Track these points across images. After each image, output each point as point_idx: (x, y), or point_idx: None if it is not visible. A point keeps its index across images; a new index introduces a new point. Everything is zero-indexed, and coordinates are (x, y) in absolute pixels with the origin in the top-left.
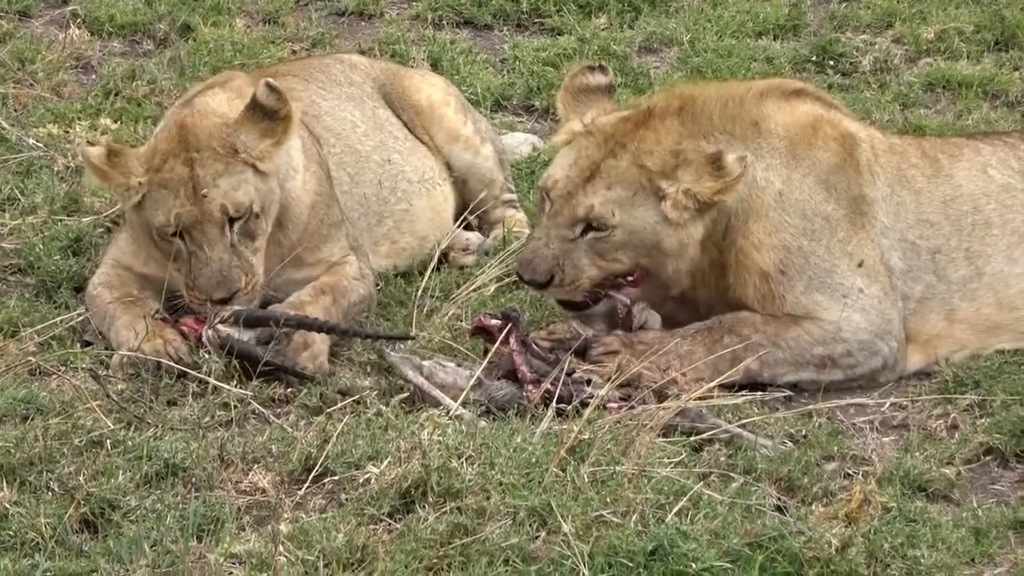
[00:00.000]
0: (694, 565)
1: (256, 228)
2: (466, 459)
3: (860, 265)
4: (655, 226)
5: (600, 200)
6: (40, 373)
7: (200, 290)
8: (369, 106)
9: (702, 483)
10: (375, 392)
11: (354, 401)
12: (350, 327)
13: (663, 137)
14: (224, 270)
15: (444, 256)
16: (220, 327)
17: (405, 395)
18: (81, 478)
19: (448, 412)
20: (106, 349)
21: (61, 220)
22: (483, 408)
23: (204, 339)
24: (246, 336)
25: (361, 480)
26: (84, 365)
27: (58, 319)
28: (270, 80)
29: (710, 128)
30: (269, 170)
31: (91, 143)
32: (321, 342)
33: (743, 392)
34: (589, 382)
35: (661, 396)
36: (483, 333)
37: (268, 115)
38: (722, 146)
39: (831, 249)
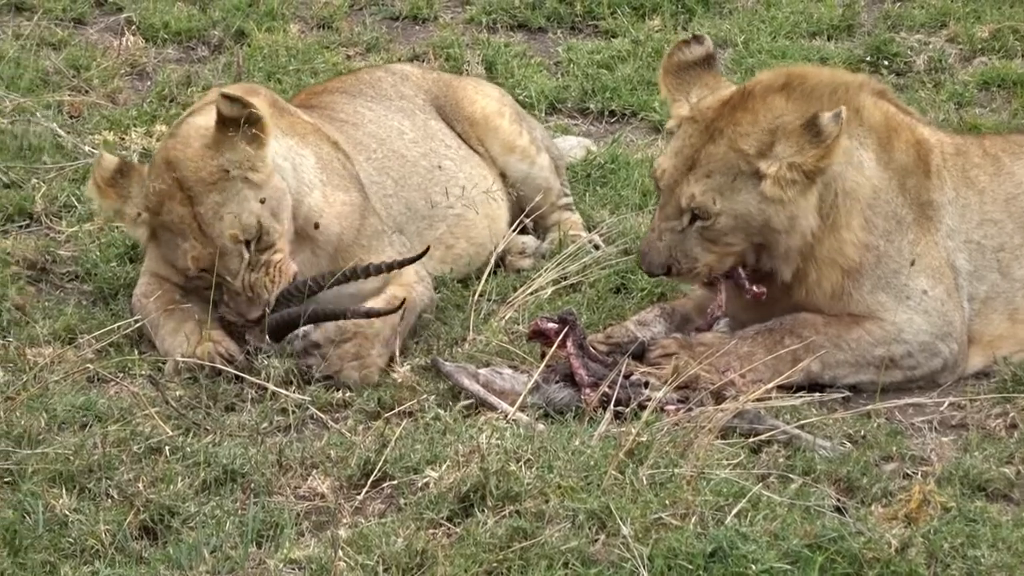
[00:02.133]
0: (754, 567)
1: (272, 235)
2: (524, 462)
3: (916, 265)
4: (759, 207)
5: (700, 189)
6: (98, 380)
7: (231, 315)
8: (420, 118)
9: (761, 484)
10: (433, 397)
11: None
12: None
13: (762, 116)
14: (253, 290)
15: (500, 260)
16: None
17: (468, 402)
18: (140, 485)
19: (506, 416)
20: (165, 355)
21: (117, 227)
22: (541, 412)
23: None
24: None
25: (420, 484)
26: (142, 372)
27: (115, 326)
28: (225, 91)
29: (819, 109)
30: (262, 179)
31: (111, 152)
32: (378, 356)
33: (801, 393)
34: (647, 384)
35: (719, 398)
36: (540, 337)
37: (239, 124)
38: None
39: (901, 251)
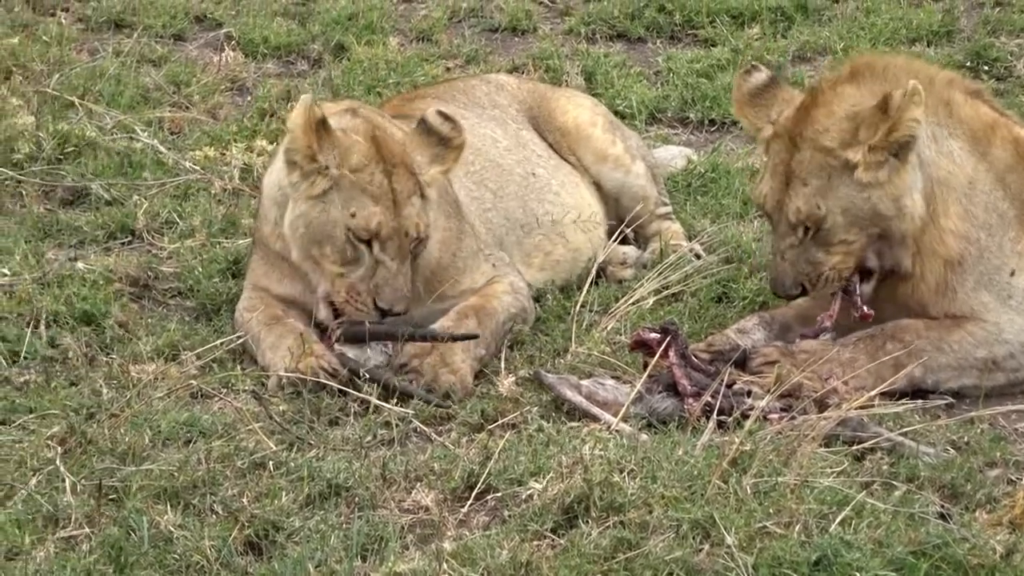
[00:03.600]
0: (858, 574)
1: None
2: (628, 473)
3: (1014, 272)
4: (862, 196)
5: (803, 200)
6: (202, 396)
7: (380, 299)
8: (512, 127)
9: (865, 492)
10: (536, 408)
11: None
12: (424, 330)
13: (836, 108)
14: (407, 286)
15: (602, 270)
16: (346, 351)
17: (571, 413)
18: (244, 500)
19: (609, 427)
20: (264, 369)
21: (219, 243)
22: (644, 422)
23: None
24: (375, 356)
25: (524, 496)
26: (245, 387)
27: (218, 342)
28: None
29: (894, 89)
30: (432, 195)
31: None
32: (462, 361)
33: (904, 400)
34: (749, 393)
35: (822, 406)
36: (642, 347)
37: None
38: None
39: (1003, 247)
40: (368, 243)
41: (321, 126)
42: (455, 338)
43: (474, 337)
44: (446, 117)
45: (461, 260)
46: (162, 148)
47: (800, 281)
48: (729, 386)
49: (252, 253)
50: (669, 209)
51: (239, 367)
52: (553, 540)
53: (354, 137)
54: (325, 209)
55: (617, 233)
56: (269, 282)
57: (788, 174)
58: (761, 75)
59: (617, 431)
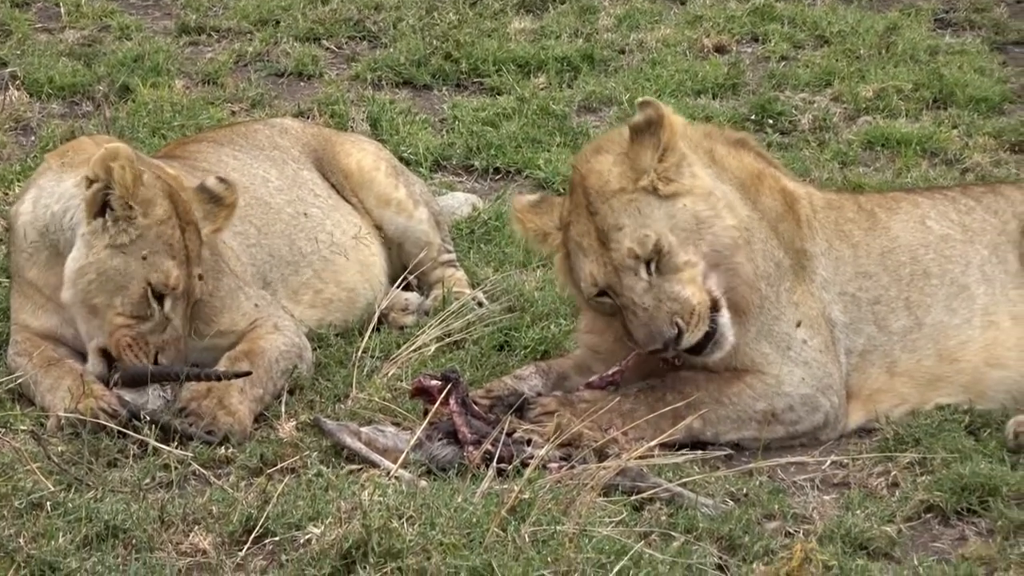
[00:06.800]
0: None
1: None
2: (407, 519)
3: (799, 322)
4: (677, 207)
5: (628, 239)
6: None
7: (164, 356)
8: (291, 168)
9: (643, 542)
10: (316, 453)
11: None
12: (198, 371)
13: (600, 167)
14: (186, 344)
15: (384, 316)
16: (124, 394)
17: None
18: (21, 540)
19: (388, 474)
20: (43, 410)
21: (1, 283)
22: (424, 469)
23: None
24: (153, 400)
25: (302, 541)
26: (24, 427)
27: None
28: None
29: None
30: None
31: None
32: (239, 402)
33: (684, 451)
34: (529, 442)
35: (602, 455)
36: (423, 394)
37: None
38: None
39: (779, 297)
40: (160, 299)
41: (139, 176)
42: (230, 376)
43: (247, 374)
44: (223, 180)
45: (219, 299)
46: None
47: (673, 320)
48: (509, 434)
49: (11, 288)
50: (453, 256)
51: (17, 407)
52: None
53: (155, 190)
54: (126, 260)
55: (400, 280)
56: (26, 316)
57: (600, 236)
58: (530, 196)
59: (396, 477)
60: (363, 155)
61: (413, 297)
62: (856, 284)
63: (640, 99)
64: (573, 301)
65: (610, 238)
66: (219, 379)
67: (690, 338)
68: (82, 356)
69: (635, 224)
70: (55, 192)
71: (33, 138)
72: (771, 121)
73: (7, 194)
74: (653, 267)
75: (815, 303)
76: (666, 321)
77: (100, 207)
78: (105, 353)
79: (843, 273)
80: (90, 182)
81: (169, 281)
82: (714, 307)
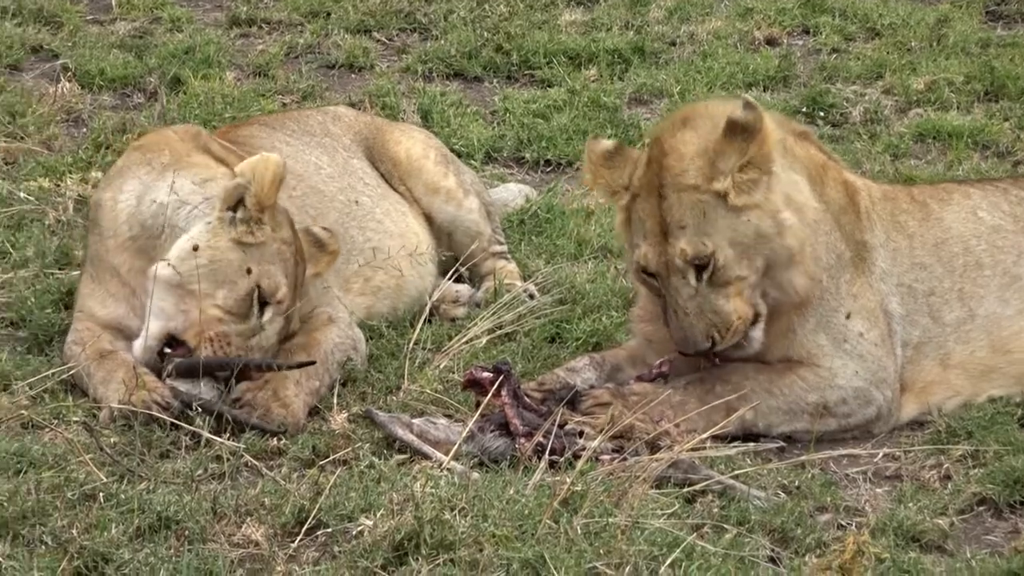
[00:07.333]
0: None
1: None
2: (459, 511)
3: (848, 314)
4: (742, 221)
5: (686, 242)
6: (33, 426)
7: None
8: (341, 156)
9: (695, 535)
10: (368, 445)
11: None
12: (264, 360)
13: (684, 150)
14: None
15: (435, 308)
16: (177, 384)
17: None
18: (74, 531)
19: (440, 465)
20: (95, 402)
21: (52, 274)
22: (476, 461)
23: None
24: (206, 391)
25: (354, 532)
26: (76, 418)
27: (50, 372)
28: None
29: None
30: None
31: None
32: (294, 395)
33: (736, 443)
34: (581, 434)
35: (653, 447)
36: (475, 386)
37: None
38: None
39: (839, 288)
40: (263, 306)
41: (279, 184)
42: (290, 366)
43: (311, 363)
44: (327, 229)
45: None
46: None
47: (710, 333)
48: (561, 426)
49: (81, 276)
50: (504, 248)
51: (70, 398)
52: None
53: (286, 216)
54: (244, 258)
55: (452, 271)
56: (94, 303)
57: (662, 225)
58: (608, 142)
59: (448, 469)
60: (412, 143)
61: (464, 289)
62: (912, 275)
63: (746, 98)
64: (625, 293)
65: (670, 232)
66: (279, 369)
67: (721, 347)
68: None
69: (697, 228)
70: (161, 187)
71: (84, 130)
72: (822, 114)
73: (59, 185)
74: (704, 275)
75: (874, 295)
76: (703, 332)
77: (235, 203)
78: (170, 338)
79: (900, 264)
80: (234, 175)
81: (278, 293)
82: (754, 320)
